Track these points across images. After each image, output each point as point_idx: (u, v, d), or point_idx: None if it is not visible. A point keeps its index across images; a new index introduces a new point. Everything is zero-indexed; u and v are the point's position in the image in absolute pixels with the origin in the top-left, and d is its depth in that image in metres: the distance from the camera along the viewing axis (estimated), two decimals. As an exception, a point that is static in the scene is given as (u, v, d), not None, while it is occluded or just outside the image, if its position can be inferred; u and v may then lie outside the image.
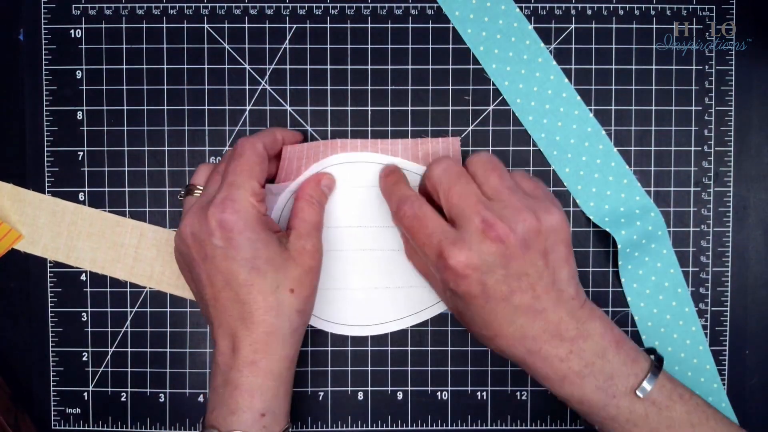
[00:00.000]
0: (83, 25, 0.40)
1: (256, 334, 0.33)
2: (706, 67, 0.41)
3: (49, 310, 0.41)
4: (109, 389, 0.41)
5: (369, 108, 0.41)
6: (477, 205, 0.32)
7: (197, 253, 0.34)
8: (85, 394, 0.42)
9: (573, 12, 0.41)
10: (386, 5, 0.40)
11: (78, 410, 0.42)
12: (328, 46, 0.41)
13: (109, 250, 0.41)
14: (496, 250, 0.31)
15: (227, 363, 0.34)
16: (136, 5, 0.40)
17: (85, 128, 0.41)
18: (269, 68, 0.41)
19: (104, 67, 0.41)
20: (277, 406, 0.34)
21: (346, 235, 0.40)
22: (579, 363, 0.32)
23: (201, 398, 0.42)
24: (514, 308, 0.32)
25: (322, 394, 0.42)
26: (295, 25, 0.41)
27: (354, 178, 0.40)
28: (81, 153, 0.41)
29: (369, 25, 0.41)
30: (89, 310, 0.41)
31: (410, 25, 0.41)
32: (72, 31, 0.41)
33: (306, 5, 0.40)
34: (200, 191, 0.37)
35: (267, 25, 0.40)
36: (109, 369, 0.41)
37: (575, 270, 0.34)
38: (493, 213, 0.32)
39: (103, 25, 0.40)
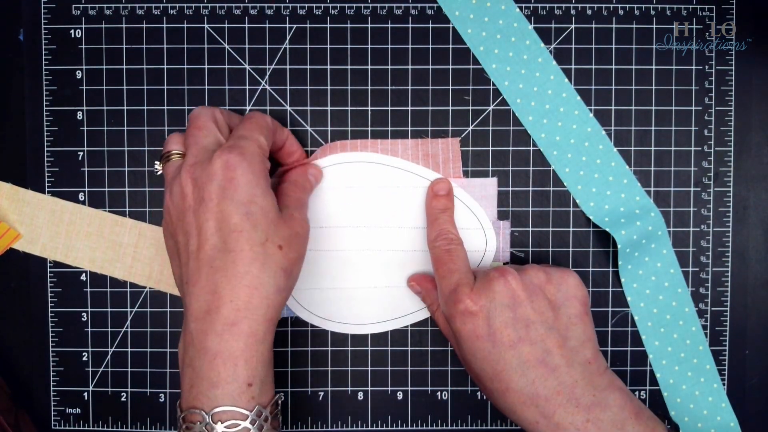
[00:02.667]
0: (83, 25, 0.40)
1: (238, 288, 0.31)
2: (706, 67, 0.41)
3: (49, 310, 0.41)
4: (109, 389, 0.41)
5: (369, 108, 0.41)
6: (498, 267, 0.35)
7: (194, 198, 0.32)
8: (85, 394, 0.42)
9: (573, 12, 0.41)
10: (386, 5, 0.40)
11: (78, 410, 0.42)
12: (328, 46, 0.41)
13: (107, 249, 0.41)
14: (505, 290, 0.33)
15: (202, 329, 0.31)
16: (136, 5, 0.40)
17: (85, 128, 0.41)
18: (269, 68, 0.41)
19: (104, 67, 0.41)
20: (264, 374, 0.31)
21: (345, 234, 0.40)
22: None
23: (201, 398, 0.42)
24: (524, 360, 0.32)
25: (322, 394, 0.42)
26: (295, 25, 0.41)
27: (353, 177, 0.40)
28: (81, 153, 0.41)
29: (369, 25, 0.41)
30: (89, 310, 0.41)
31: (410, 25, 0.41)
32: (72, 31, 0.41)
33: (306, 5, 0.40)
34: (180, 155, 0.35)
35: (267, 25, 0.40)
36: (109, 369, 0.41)
37: (593, 334, 0.34)
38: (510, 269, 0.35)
39: (103, 25, 0.40)
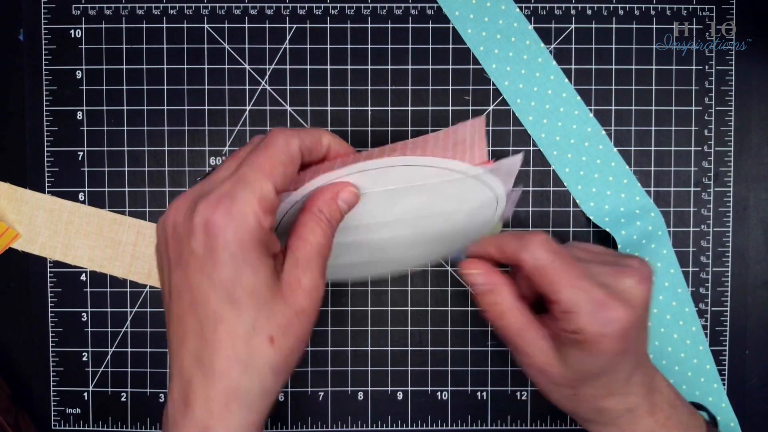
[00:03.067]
0: (83, 25, 0.40)
1: (214, 391, 0.25)
2: (706, 67, 0.41)
3: (49, 310, 0.41)
4: (109, 389, 0.41)
5: (369, 108, 0.41)
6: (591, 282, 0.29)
7: (172, 252, 0.26)
8: (85, 394, 0.42)
9: (573, 12, 0.41)
10: (386, 5, 0.40)
11: (78, 410, 0.42)
12: (328, 46, 0.41)
13: (106, 248, 0.41)
14: (646, 296, 0.30)
15: (176, 420, 0.26)
16: (136, 5, 0.40)
17: (85, 128, 0.41)
18: (269, 68, 0.41)
19: (104, 67, 0.41)
20: None
21: (378, 229, 0.34)
22: (661, 416, 0.32)
23: (201, 398, 0.41)
24: (636, 362, 0.31)
25: (322, 394, 0.42)
26: (295, 25, 0.41)
27: (378, 183, 0.33)
28: (81, 153, 0.41)
29: (369, 25, 0.41)
30: (89, 310, 0.41)
31: (410, 25, 0.41)
32: (72, 31, 0.41)
33: (306, 5, 0.40)
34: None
35: (267, 25, 0.40)
36: (109, 369, 0.41)
37: None
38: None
39: (103, 25, 0.40)
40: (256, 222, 0.25)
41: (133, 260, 0.41)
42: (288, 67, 0.41)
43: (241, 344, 0.25)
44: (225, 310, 0.25)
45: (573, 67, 0.41)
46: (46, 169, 0.41)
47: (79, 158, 0.41)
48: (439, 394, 0.42)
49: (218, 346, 0.25)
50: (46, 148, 0.41)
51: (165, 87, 0.41)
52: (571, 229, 0.41)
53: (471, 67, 0.41)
